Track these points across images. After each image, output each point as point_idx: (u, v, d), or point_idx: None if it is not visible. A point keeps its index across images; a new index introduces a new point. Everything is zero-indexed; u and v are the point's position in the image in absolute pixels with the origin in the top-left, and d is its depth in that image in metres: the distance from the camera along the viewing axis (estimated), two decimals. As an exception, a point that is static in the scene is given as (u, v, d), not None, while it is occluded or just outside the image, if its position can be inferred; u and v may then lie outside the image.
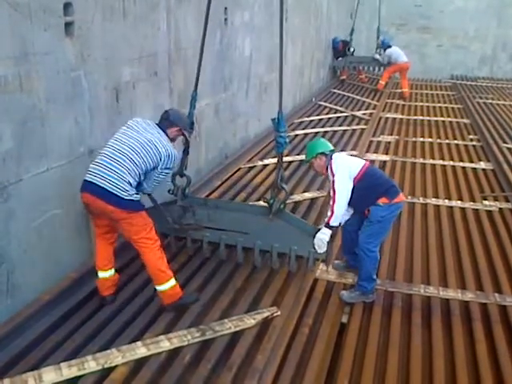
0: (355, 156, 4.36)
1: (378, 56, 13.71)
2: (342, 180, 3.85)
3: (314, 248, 3.95)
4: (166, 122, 3.68)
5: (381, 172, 4.40)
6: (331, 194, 3.89)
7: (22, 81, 3.23)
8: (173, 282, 3.58)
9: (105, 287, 3.68)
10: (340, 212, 3.86)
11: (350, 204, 3.94)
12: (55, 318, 3.43)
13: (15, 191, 3.31)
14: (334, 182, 3.85)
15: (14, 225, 3.34)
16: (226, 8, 6.33)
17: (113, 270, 3.72)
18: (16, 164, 3.28)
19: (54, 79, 3.50)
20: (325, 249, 3.93)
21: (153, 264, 3.54)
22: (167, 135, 3.64)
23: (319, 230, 4.01)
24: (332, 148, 4.06)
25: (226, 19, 6.36)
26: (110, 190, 3.32)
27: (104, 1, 3.92)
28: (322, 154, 3.98)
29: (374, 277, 4.00)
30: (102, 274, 3.67)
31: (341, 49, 14.33)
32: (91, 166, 3.43)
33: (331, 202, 3.87)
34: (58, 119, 3.60)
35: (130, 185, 3.39)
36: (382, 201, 3.85)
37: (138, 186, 3.52)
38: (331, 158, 3.96)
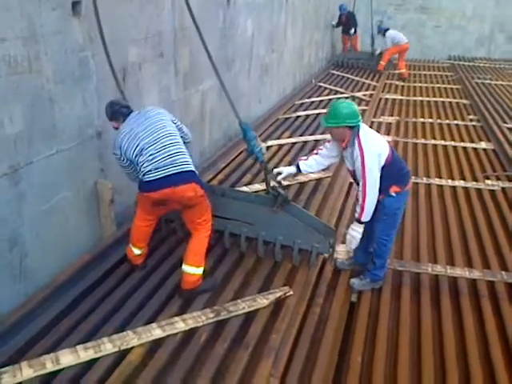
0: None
1: (379, 50, 13.39)
2: (374, 171, 3.47)
3: (345, 243, 3.83)
4: (127, 108, 3.59)
5: (399, 156, 3.95)
6: (360, 185, 3.53)
7: (31, 61, 3.19)
8: (201, 270, 3.59)
9: (136, 259, 3.85)
10: (371, 208, 3.56)
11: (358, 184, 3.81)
12: (69, 301, 3.43)
13: (26, 174, 3.29)
14: (365, 173, 3.45)
15: (25, 208, 3.33)
16: (228, -13, 6.26)
17: (146, 247, 3.87)
18: (26, 146, 3.26)
19: (62, 60, 3.46)
20: (356, 245, 3.75)
21: (199, 245, 3.58)
22: None
23: (325, 224, 4.00)
24: (360, 120, 3.54)
25: (228, -1, 6.29)
26: (189, 169, 3.41)
27: (110, -20, 3.86)
28: (349, 126, 3.50)
29: (386, 264, 3.99)
30: (136, 251, 3.80)
31: (344, 20, 14.21)
32: (151, 166, 3.33)
33: (361, 197, 3.55)
34: (67, 101, 3.57)
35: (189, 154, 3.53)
36: (393, 190, 3.62)
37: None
38: (358, 134, 3.48)
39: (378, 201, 3.61)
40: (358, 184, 3.81)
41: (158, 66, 4.80)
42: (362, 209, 3.56)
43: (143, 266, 3.89)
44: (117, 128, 3.55)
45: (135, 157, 3.38)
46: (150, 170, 3.34)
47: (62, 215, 3.69)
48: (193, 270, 3.53)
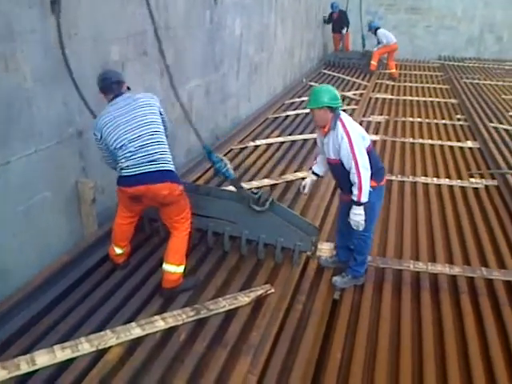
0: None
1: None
2: (362, 149, 3.49)
3: (353, 229, 3.69)
4: (117, 84, 3.48)
5: (376, 151, 3.99)
6: (353, 167, 3.49)
7: (8, 60, 3.17)
8: (182, 268, 3.59)
9: (118, 258, 3.84)
10: (367, 186, 3.53)
11: (338, 179, 3.83)
12: (47, 301, 3.40)
13: (3, 174, 3.27)
14: (354, 151, 3.45)
15: (2, 208, 3.31)
16: (215, -13, 6.25)
17: (128, 246, 3.85)
18: (3, 146, 3.24)
19: (40, 58, 3.44)
20: (363, 227, 3.64)
21: (179, 243, 3.58)
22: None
23: (308, 222, 4.04)
24: (341, 104, 3.63)
25: (215, -1, 6.28)
26: (166, 168, 3.38)
27: (90, -22, 3.85)
28: (330, 107, 3.55)
29: (367, 260, 4.00)
30: (118, 250, 3.79)
31: (335, 18, 14.10)
32: (128, 162, 3.31)
33: (356, 178, 3.50)
34: (46, 100, 3.55)
35: (170, 152, 3.47)
36: (371, 183, 3.59)
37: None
38: (340, 117, 3.55)
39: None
40: (338, 179, 3.83)
41: (142, 65, 4.79)
42: (360, 189, 3.51)
43: (125, 264, 3.87)
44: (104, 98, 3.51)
45: (114, 149, 3.36)
46: (127, 166, 3.34)
47: (42, 215, 3.67)
48: (173, 268, 3.52)
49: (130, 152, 3.32)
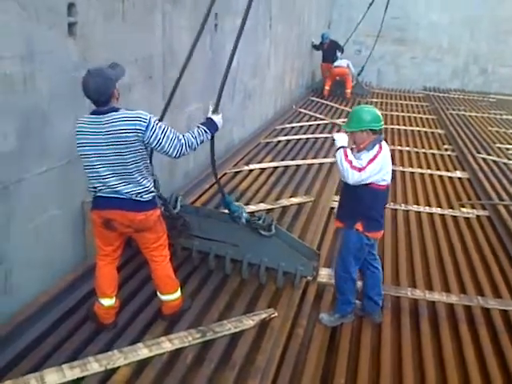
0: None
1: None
2: (367, 173, 3.37)
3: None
4: (99, 98, 3.00)
5: (386, 204, 3.85)
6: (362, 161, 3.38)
7: (27, 80, 3.23)
8: (179, 292, 3.53)
9: (109, 315, 3.40)
10: (342, 165, 3.39)
11: (341, 196, 3.77)
12: (54, 319, 3.41)
13: (16, 191, 3.29)
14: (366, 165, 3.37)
15: (13, 224, 3.32)
16: (216, 14, 6.39)
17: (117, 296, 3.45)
18: (18, 163, 3.28)
19: (56, 78, 3.51)
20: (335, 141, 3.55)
21: (165, 272, 3.44)
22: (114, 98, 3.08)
23: (309, 247, 4.17)
24: (383, 125, 3.50)
25: (216, 25, 6.42)
26: (134, 198, 3.10)
27: (106, 2, 3.95)
28: (373, 130, 3.41)
29: (353, 300, 3.85)
30: (107, 302, 3.34)
31: (325, 47, 14.05)
32: (97, 183, 3.10)
33: (353, 163, 3.36)
34: (60, 119, 3.60)
35: (145, 180, 3.14)
36: (357, 226, 3.56)
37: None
38: (380, 144, 3.46)
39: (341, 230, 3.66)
40: (341, 196, 3.77)
41: (148, 89, 4.88)
42: (346, 157, 3.39)
43: (114, 325, 3.44)
44: None
45: (84, 167, 3.12)
46: (98, 187, 3.12)
47: (50, 233, 3.68)
48: (171, 296, 3.49)
49: (97, 177, 3.10)
